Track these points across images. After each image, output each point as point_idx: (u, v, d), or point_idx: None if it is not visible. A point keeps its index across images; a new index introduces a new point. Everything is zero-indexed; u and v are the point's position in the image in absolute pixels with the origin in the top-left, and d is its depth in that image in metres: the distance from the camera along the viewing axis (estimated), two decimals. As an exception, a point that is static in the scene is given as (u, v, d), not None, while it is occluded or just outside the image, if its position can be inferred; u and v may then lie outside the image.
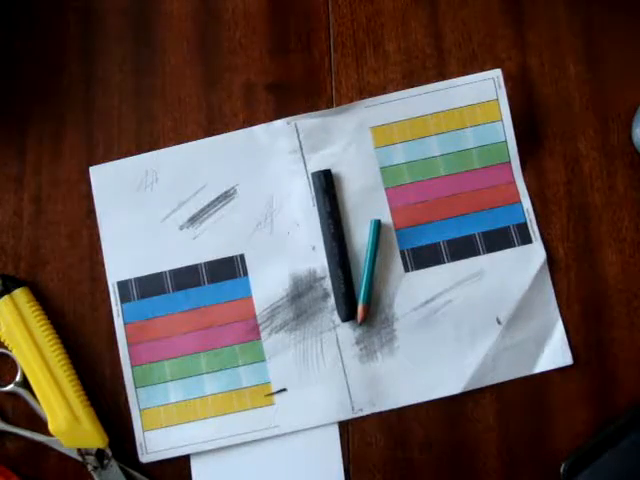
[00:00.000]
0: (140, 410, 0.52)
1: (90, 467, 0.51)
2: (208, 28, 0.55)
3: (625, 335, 0.52)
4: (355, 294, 0.52)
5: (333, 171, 0.53)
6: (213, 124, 0.54)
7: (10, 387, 0.51)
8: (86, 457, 0.51)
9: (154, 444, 0.51)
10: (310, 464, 0.51)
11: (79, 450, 0.51)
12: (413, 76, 0.54)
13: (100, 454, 0.51)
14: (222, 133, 0.54)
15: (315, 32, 0.55)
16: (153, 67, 0.55)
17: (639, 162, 0.53)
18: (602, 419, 0.51)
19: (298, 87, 0.54)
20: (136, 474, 0.51)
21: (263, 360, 0.52)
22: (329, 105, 0.54)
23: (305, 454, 0.51)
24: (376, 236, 0.51)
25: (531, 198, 0.52)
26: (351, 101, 0.54)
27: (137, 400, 0.52)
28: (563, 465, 0.50)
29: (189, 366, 0.52)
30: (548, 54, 0.54)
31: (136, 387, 0.52)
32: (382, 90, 0.54)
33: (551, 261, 0.52)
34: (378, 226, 0.52)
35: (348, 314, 0.51)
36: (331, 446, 0.51)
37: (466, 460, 0.51)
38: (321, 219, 0.52)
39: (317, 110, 0.54)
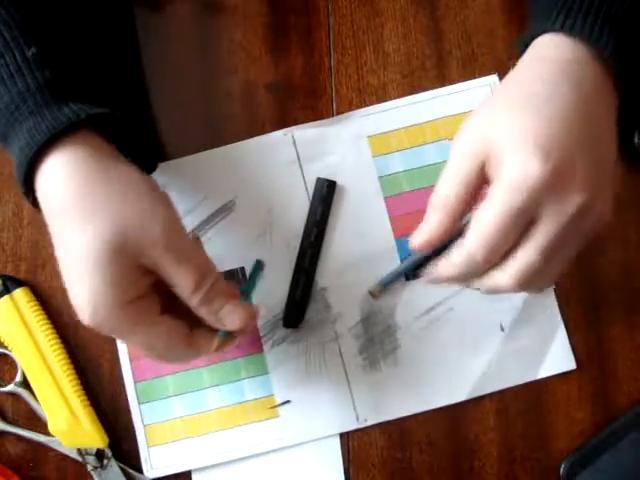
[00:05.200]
0: (144, 426, 0.51)
1: (90, 467, 0.51)
2: (208, 28, 0.55)
3: (625, 335, 0.52)
4: (306, 304, 0.52)
5: (333, 179, 0.53)
6: (213, 124, 0.54)
7: (10, 387, 0.51)
8: (86, 457, 0.51)
9: (159, 459, 0.51)
10: (310, 464, 0.51)
11: (79, 450, 0.51)
12: (413, 76, 0.54)
13: (100, 454, 0.51)
14: (222, 134, 0.54)
15: (315, 32, 0.55)
16: (153, 68, 0.55)
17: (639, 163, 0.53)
18: (602, 419, 0.51)
19: (298, 87, 0.54)
20: (136, 474, 0.51)
21: (266, 373, 0.51)
22: (329, 105, 0.54)
23: (305, 454, 0.51)
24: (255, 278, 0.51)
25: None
26: (351, 101, 0.54)
27: (141, 416, 0.51)
28: (563, 465, 0.50)
29: (192, 380, 0.51)
30: (548, 54, 0.54)
31: (140, 403, 0.52)
32: (382, 90, 0.54)
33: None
34: (259, 268, 0.51)
35: (292, 322, 0.51)
36: (331, 446, 0.51)
37: (466, 460, 0.51)
38: (307, 224, 0.52)
39: (317, 111, 0.54)
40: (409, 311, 0.52)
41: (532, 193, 0.38)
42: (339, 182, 0.53)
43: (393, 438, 0.51)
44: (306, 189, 0.53)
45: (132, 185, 0.42)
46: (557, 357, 0.51)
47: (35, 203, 0.43)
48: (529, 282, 0.40)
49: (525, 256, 0.40)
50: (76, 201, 0.40)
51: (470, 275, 0.41)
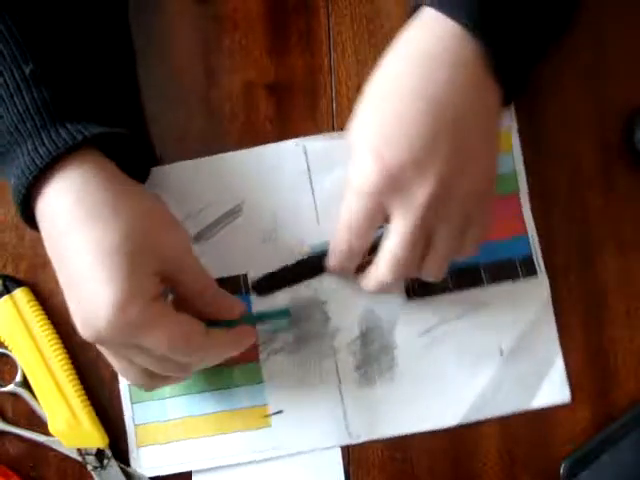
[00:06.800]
0: (135, 425, 0.51)
1: (90, 467, 0.51)
2: (208, 28, 0.55)
3: (625, 335, 0.52)
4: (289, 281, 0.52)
5: (340, 194, 0.51)
6: (212, 124, 0.54)
7: (10, 387, 0.52)
8: (86, 457, 0.51)
9: (147, 460, 0.51)
10: (310, 464, 0.51)
11: (79, 450, 0.51)
12: (413, 76, 0.54)
13: (100, 454, 0.51)
14: (222, 134, 0.54)
15: (315, 32, 0.55)
16: (152, 69, 0.55)
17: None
18: (602, 419, 0.51)
19: (298, 87, 0.54)
20: (136, 474, 0.51)
21: (261, 381, 0.51)
22: (329, 105, 0.54)
23: (305, 454, 0.51)
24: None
25: (530, 196, 0.52)
26: (351, 101, 0.54)
27: (133, 415, 0.51)
28: (563, 465, 0.50)
29: (187, 384, 0.51)
30: (548, 54, 0.54)
31: (132, 403, 0.51)
32: (382, 90, 0.54)
33: (551, 264, 0.52)
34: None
35: (262, 288, 0.51)
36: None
37: (466, 460, 0.51)
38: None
39: (317, 110, 0.54)
40: (409, 330, 0.51)
41: (370, 195, 0.42)
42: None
43: (393, 438, 0.51)
44: (314, 201, 0.52)
45: (142, 197, 0.43)
46: (553, 387, 0.51)
47: (32, 223, 0.44)
48: (404, 271, 0.44)
49: (387, 249, 0.44)
50: (91, 213, 0.41)
51: (349, 264, 0.47)
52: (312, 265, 0.51)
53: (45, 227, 0.43)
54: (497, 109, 0.44)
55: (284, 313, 0.51)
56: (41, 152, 0.41)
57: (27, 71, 0.42)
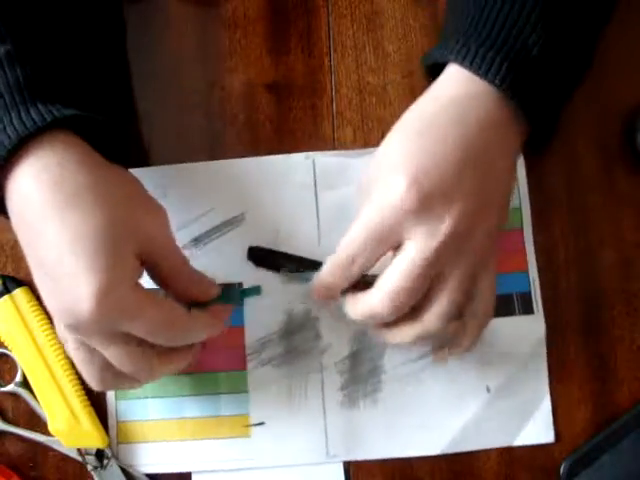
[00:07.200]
0: (117, 422, 0.51)
1: (90, 467, 0.51)
2: (208, 28, 0.55)
3: (625, 335, 0.52)
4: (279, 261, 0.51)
5: (346, 212, 0.51)
6: (212, 124, 0.54)
7: (10, 387, 0.51)
8: (86, 457, 0.51)
9: (126, 457, 0.51)
10: (310, 463, 0.51)
11: (79, 450, 0.51)
12: (413, 77, 0.54)
13: (100, 454, 0.51)
14: (222, 134, 0.54)
15: (315, 32, 0.55)
16: (152, 69, 0.55)
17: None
18: (602, 419, 0.51)
19: (298, 87, 0.54)
20: (136, 474, 0.51)
21: (246, 391, 0.51)
22: (329, 105, 0.54)
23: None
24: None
25: (530, 196, 0.52)
26: (351, 101, 0.54)
27: (116, 412, 0.51)
28: (563, 465, 0.50)
29: (171, 386, 0.51)
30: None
31: (116, 399, 0.51)
32: (382, 90, 0.54)
33: (551, 263, 0.52)
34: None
35: (255, 256, 0.51)
36: (331, 446, 0.51)
37: (466, 460, 0.51)
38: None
39: (317, 111, 0.54)
40: (399, 355, 0.51)
41: (393, 209, 0.41)
42: (350, 215, 0.48)
43: (393, 438, 0.51)
44: (317, 216, 0.52)
45: (122, 179, 0.43)
46: (537, 429, 0.50)
47: (4, 211, 0.42)
48: (402, 305, 0.41)
49: (390, 276, 0.41)
50: (70, 197, 0.39)
51: (341, 281, 0.44)
52: (312, 265, 0.51)
53: (16, 212, 0.41)
54: (518, 153, 0.45)
55: (255, 290, 0.50)
56: (9, 132, 0.39)
57: (2, 51, 0.41)
